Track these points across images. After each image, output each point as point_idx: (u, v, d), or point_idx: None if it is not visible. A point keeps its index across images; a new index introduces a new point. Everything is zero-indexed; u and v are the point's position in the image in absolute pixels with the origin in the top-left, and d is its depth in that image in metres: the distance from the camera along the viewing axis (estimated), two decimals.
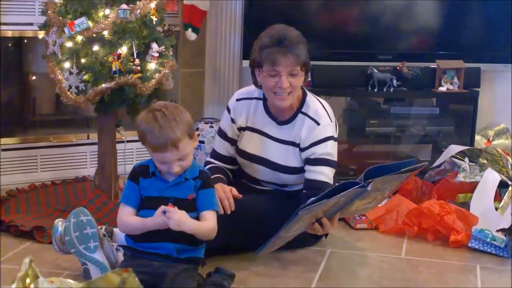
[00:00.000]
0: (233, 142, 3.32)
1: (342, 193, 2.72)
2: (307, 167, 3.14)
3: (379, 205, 3.73)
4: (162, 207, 2.53)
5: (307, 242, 3.29)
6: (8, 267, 2.94)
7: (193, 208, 2.63)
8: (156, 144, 2.53)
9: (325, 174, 3.11)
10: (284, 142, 3.21)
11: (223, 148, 3.33)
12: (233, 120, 3.30)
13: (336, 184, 2.82)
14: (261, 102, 3.26)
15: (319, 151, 3.12)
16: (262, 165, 3.25)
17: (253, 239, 3.05)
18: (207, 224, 2.63)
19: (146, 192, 2.64)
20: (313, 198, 2.75)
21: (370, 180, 2.75)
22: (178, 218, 2.51)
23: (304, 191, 3.11)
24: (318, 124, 3.14)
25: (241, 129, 3.29)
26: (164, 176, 2.63)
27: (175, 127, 2.52)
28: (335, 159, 3.17)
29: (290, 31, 3.07)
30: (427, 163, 3.07)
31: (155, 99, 3.40)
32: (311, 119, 3.16)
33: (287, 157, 3.20)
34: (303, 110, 3.18)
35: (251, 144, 3.27)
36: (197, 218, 2.64)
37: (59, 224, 2.87)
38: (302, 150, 3.16)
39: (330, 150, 3.14)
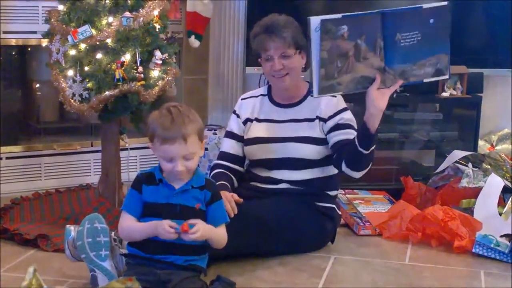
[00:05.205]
0: (240, 139, 3.39)
1: (360, 13, 2.85)
2: (337, 132, 3.25)
3: (383, 211, 3.75)
4: (170, 224, 2.52)
5: (311, 247, 3.32)
6: (12, 276, 2.94)
7: (199, 218, 2.61)
8: (166, 135, 2.53)
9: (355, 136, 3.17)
10: (297, 120, 3.32)
11: (230, 147, 3.39)
12: (238, 116, 3.41)
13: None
14: (266, 97, 3.41)
15: (346, 117, 3.28)
16: (274, 142, 3.31)
17: (261, 245, 3.13)
18: (222, 232, 2.68)
19: (151, 198, 2.62)
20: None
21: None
22: (202, 235, 2.54)
23: (337, 154, 3.21)
24: (334, 96, 3.27)
25: (247, 120, 3.39)
26: (171, 183, 2.63)
27: (187, 122, 2.55)
28: None
29: (278, 17, 3.27)
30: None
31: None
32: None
33: (299, 130, 3.30)
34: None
35: (261, 130, 3.36)
36: None
37: (72, 228, 2.87)
38: (327, 119, 3.27)
39: (353, 118, 3.30)
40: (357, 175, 3.18)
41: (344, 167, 3.16)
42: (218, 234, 2.66)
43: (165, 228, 2.51)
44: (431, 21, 2.93)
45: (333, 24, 2.79)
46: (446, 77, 3.14)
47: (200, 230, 2.53)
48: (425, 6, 2.96)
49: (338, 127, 3.25)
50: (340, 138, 3.22)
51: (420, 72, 2.99)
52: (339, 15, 2.81)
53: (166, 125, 2.54)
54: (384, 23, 2.87)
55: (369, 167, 3.16)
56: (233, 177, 3.34)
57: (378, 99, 2.95)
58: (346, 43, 2.83)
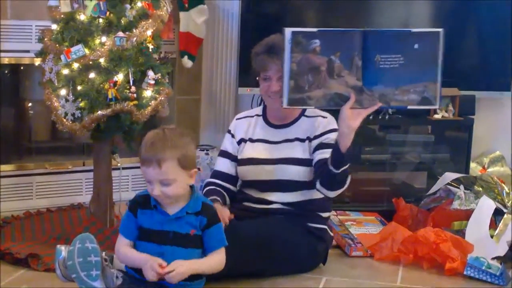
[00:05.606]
0: (234, 158, 3.40)
1: (338, 29, 2.90)
2: (319, 151, 3.23)
3: (375, 233, 3.74)
4: (157, 268, 2.50)
5: (303, 268, 3.30)
6: None
7: (195, 243, 2.61)
8: (142, 156, 2.54)
9: None
10: (289, 140, 3.33)
11: (224, 165, 3.40)
12: (233, 136, 3.42)
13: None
14: (260, 117, 3.42)
15: (332, 137, 3.22)
16: (267, 163, 3.31)
17: (252, 265, 3.10)
18: (214, 259, 2.64)
19: (146, 224, 2.61)
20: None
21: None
22: (181, 276, 2.52)
23: (317, 171, 3.19)
24: (325, 117, 3.31)
25: (241, 141, 3.40)
26: (164, 209, 2.60)
27: (167, 148, 2.51)
28: None
29: (281, 38, 3.20)
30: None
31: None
32: (318, 116, 3.32)
33: (291, 151, 3.30)
34: (306, 114, 3.34)
35: (254, 151, 3.36)
36: (203, 253, 2.64)
37: (62, 248, 2.85)
38: (314, 138, 3.27)
39: None
40: (331, 194, 3.18)
41: (318, 186, 3.17)
42: (207, 265, 2.62)
43: (152, 266, 2.50)
44: (416, 46, 2.90)
45: (305, 37, 2.81)
46: (435, 107, 3.11)
47: (178, 268, 2.51)
48: (414, 30, 2.95)
49: (321, 146, 3.25)
50: (321, 157, 3.21)
51: (403, 98, 2.95)
52: (314, 29, 2.82)
53: (146, 147, 2.54)
54: (364, 43, 2.87)
55: (344, 188, 3.15)
56: (225, 194, 3.35)
57: (351, 118, 2.95)
58: (318, 58, 2.85)
